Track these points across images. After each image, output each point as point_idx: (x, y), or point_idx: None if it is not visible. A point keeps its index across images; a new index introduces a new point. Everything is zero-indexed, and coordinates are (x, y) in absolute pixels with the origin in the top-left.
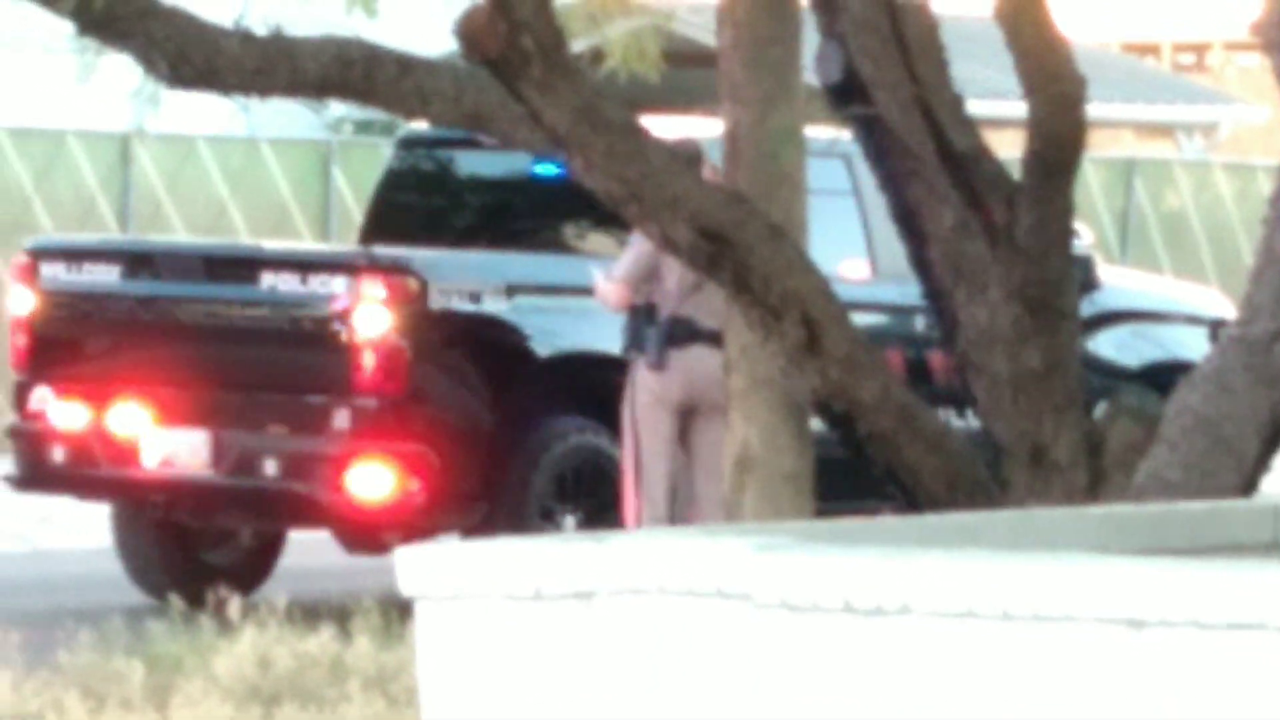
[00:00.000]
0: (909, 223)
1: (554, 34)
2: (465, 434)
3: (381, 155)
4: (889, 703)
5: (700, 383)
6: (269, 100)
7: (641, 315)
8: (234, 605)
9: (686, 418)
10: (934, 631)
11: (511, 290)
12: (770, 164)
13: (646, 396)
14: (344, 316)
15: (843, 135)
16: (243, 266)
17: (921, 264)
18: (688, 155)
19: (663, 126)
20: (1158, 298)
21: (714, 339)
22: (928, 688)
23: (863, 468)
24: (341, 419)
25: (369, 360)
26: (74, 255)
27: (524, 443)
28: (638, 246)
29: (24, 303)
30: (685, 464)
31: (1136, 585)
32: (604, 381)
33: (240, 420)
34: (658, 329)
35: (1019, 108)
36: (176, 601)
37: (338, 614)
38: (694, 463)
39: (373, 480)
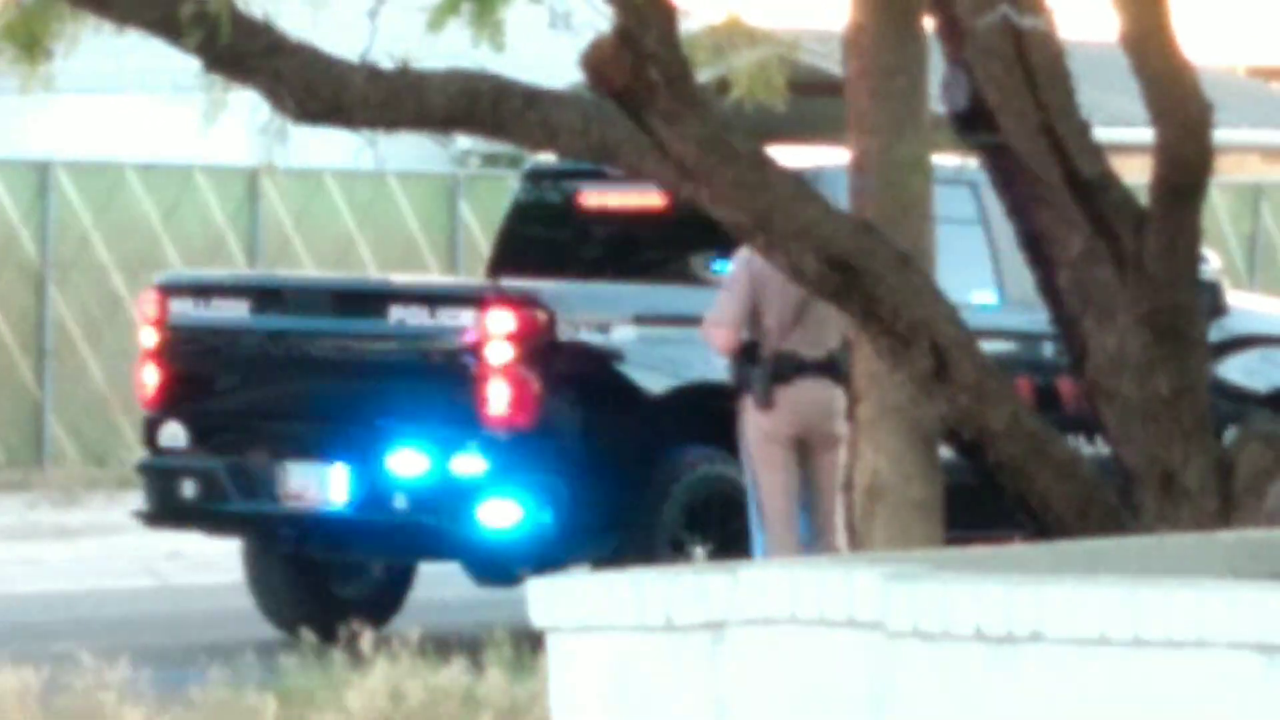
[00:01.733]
0: (1036, 249)
1: (680, 65)
2: (594, 465)
3: (508, 188)
4: None
5: (810, 415)
6: (396, 134)
7: (743, 355)
8: (366, 638)
9: (801, 449)
10: (1066, 658)
11: (639, 321)
12: (897, 192)
13: (757, 434)
14: (472, 349)
15: (969, 163)
16: (371, 300)
17: (1050, 291)
18: None
19: (790, 156)
20: None
21: (819, 369)
22: (1060, 714)
23: (993, 495)
24: (471, 451)
25: (498, 392)
26: (203, 290)
27: (653, 473)
28: (737, 288)
29: (153, 338)
30: (803, 491)
31: (1268, 611)
32: (732, 411)
33: (369, 453)
34: (762, 367)
35: (1145, 134)
36: (308, 635)
37: (469, 646)
38: (812, 492)
39: (503, 512)
